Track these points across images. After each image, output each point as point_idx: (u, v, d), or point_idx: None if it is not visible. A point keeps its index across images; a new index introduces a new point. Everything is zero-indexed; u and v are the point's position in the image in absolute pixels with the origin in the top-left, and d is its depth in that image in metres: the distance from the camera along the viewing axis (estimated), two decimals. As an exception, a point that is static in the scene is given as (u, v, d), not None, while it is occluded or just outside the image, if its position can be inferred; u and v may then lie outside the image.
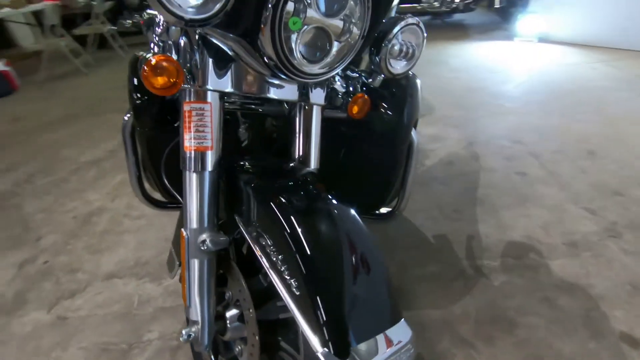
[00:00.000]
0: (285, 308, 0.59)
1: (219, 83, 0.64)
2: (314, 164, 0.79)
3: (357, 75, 0.84)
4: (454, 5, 4.19)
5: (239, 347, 0.74)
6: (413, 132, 0.98)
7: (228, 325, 0.74)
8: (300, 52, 0.59)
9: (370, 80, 0.81)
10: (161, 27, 0.58)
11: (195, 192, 0.67)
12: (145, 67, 0.55)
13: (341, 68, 0.67)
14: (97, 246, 1.62)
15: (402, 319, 0.59)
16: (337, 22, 0.60)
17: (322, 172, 0.85)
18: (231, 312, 0.74)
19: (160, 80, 0.56)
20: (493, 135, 2.21)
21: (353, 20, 0.61)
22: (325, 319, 0.53)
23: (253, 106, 0.91)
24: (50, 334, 1.24)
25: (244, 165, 0.75)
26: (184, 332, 0.71)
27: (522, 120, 2.36)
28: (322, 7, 0.57)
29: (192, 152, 0.66)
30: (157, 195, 1.05)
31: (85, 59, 4.60)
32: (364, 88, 0.83)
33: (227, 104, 0.84)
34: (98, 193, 2.01)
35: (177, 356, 1.11)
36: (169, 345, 1.15)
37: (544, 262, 1.34)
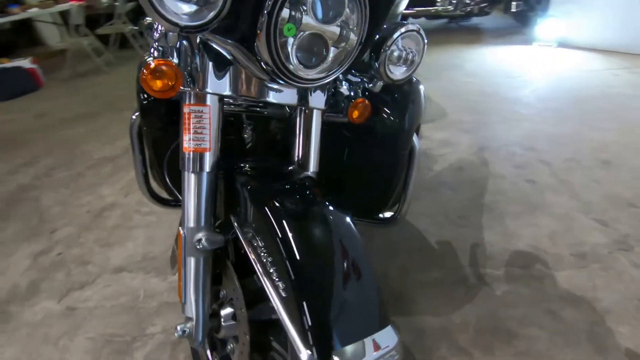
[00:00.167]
0: None
1: (219, 86, 0.66)
2: (313, 167, 0.80)
3: (359, 80, 0.84)
4: (468, 9, 4.13)
5: (231, 345, 0.76)
6: (415, 138, 0.98)
7: (222, 323, 0.76)
8: (296, 57, 0.60)
9: (371, 85, 0.82)
10: (159, 33, 0.60)
11: (193, 192, 0.69)
12: (144, 71, 0.57)
13: (339, 73, 0.68)
14: (108, 240, 1.67)
15: (389, 325, 0.59)
16: (334, 29, 0.61)
17: (323, 176, 0.86)
18: (225, 311, 0.76)
19: (158, 84, 0.58)
20: (505, 142, 2.17)
21: (350, 27, 0.62)
22: (310, 322, 0.54)
23: (258, 109, 0.93)
24: (59, 323, 1.29)
25: (243, 167, 0.76)
26: (178, 327, 0.73)
27: (537, 127, 2.31)
28: (318, 14, 0.58)
29: (191, 153, 0.68)
30: (164, 193, 1.08)
31: (107, 57, 4.74)
32: (367, 93, 0.84)
33: (232, 106, 0.86)
34: (112, 188, 2.07)
35: (177, 351, 1.14)
36: (170, 339, 1.18)
37: (549, 272, 1.31)
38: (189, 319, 0.74)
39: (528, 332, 1.12)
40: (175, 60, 0.62)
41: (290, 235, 0.60)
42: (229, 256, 0.81)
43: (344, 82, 0.84)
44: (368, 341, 0.57)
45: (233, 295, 0.73)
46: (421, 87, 1.01)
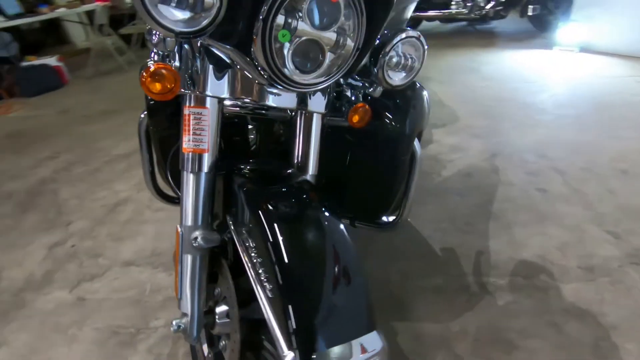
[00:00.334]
0: None
1: (218, 90, 0.68)
2: (311, 170, 0.81)
3: (361, 84, 0.85)
4: (483, 12, 4.05)
5: (224, 342, 0.77)
6: (416, 143, 0.98)
7: (217, 320, 0.78)
8: (293, 62, 0.61)
9: (371, 90, 0.82)
10: (157, 37, 0.62)
11: (191, 191, 0.72)
12: (144, 74, 0.59)
13: (336, 79, 0.68)
14: (119, 234, 1.73)
15: (375, 331, 0.60)
16: (330, 35, 0.61)
17: (324, 179, 0.87)
18: (220, 308, 0.78)
19: (157, 86, 0.60)
20: (518, 148, 2.12)
21: (347, 33, 0.63)
22: (295, 325, 0.55)
23: (263, 111, 0.95)
24: (69, 313, 1.34)
25: (242, 168, 0.78)
26: (174, 322, 0.75)
27: (553, 133, 2.25)
28: (314, 21, 0.59)
29: (190, 154, 0.70)
30: (170, 191, 1.12)
31: (129, 56, 4.88)
32: (368, 97, 0.84)
33: (237, 108, 0.88)
34: (126, 184, 2.14)
35: (178, 345, 1.17)
36: (172, 334, 1.21)
37: (555, 284, 1.28)
38: (184, 314, 0.76)
39: (529, 344, 1.10)
40: (177, 64, 0.64)
41: (280, 238, 0.61)
42: (227, 255, 0.83)
43: (345, 86, 0.84)
44: (355, 343, 0.57)
45: (227, 293, 0.75)
46: (425, 92, 1.01)
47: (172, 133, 0.95)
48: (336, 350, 0.56)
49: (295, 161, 0.81)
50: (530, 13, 4.04)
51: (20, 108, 3.74)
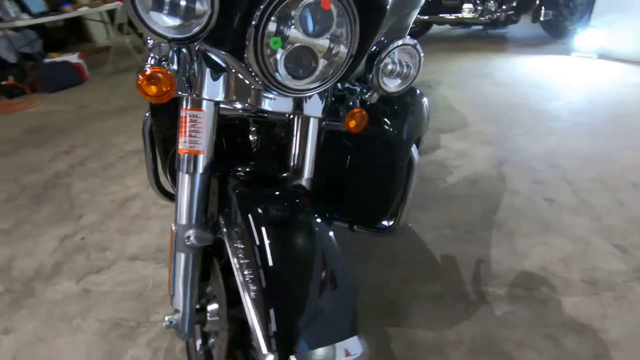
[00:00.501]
0: None
1: (214, 93, 0.69)
2: (307, 175, 0.82)
3: (359, 89, 0.85)
4: (494, 17, 3.97)
5: (212, 340, 0.79)
6: (414, 149, 0.98)
7: (208, 318, 0.80)
8: (286, 68, 0.62)
9: (367, 95, 0.83)
10: (152, 42, 0.64)
11: (186, 191, 0.74)
12: (140, 77, 0.61)
13: (330, 85, 0.69)
14: (127, 229, 1.78)
15: (356, 336, 0.61)
16: (323, 42, 0.62)
17: (322, 183, 0.88)
18: (211, 306, 0.80)
19: (153, 89, 0.62)
20: (527, 156, 2.09)
21: (340, 40, 0.64)
22: (275, 328, 0.56)
23: (265, 114, 0.96)
24: (75, 304, 1.39)
25: (237, 170, 0.79)
26: (166, 318, 0.78)
27: (564, 142, 2.21)
28: (306, 28, 0.60)
29: (185, 155, 0.72)
30: (171, 189, 1.15)
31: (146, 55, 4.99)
32: (367, 103, 0.85)
33: (241, 111, 0.90)
34: (136, 180, 2.20)
35: (176, 340, 1.20)
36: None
37: (556, 297, 1.25)
38: (176, 311, 0.78)
39: (525, 355, 1.09)
40: (175, 67, 0.66)
41: (267, 242, 0.62)
42: (221, 255, 0.85)
43: (342, 92, 0.85)
44: (339, 347, 0.58)
45: (217, 292, 0.77)
46: (424, 99, 1.01)
47: (174, 133, 0.97)
48: (318, 352, 0.57)
49: (291, 164, 0.82)
50: (542, 18, 3.94)
51: (40, 103, 3.87)
